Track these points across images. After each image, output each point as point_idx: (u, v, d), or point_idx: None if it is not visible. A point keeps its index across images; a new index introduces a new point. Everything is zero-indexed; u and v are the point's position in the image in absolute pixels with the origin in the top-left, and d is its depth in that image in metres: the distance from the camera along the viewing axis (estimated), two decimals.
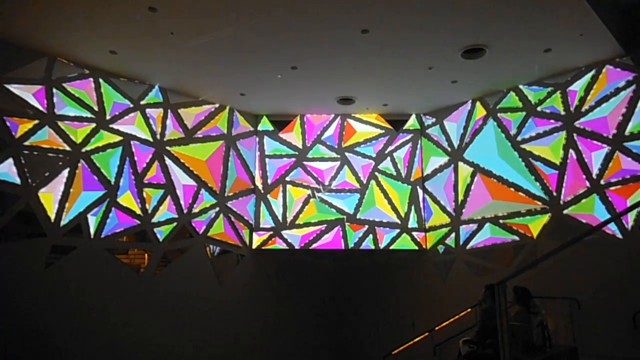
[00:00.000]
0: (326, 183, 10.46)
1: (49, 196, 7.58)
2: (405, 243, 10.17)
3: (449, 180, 10.06)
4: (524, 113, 9.01)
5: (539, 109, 8.81)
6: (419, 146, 10.69)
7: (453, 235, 9.77)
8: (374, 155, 10.60)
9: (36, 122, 7.58)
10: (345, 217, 10.28)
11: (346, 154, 10.61)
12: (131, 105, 8.81)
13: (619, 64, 7.87)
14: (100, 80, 8.46)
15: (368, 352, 10.53)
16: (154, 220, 8.78)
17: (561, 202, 8.26)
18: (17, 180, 7.26)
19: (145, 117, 8.99)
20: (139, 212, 8.60)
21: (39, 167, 7.52)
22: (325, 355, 10.91)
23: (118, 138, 8.55)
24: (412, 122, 10.76)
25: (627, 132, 7.65)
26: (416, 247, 10.19)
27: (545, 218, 8.43)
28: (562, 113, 8.47)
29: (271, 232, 10.27)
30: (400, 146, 10.65)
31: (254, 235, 10.27)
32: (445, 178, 10.13)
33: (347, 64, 8.12)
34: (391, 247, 10.12)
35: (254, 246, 10.20)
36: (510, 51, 7.75)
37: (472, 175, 9.62)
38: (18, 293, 7.07)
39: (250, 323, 9.81)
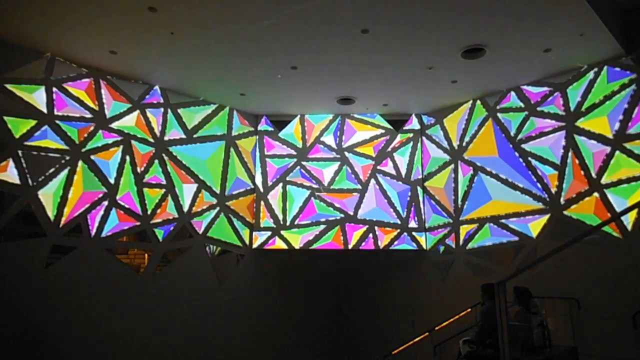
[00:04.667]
0: (326, 183, 10.46)
1: (49, 196, 7.58)
2: (405, 243, 10.18)
3: (448, 180, 10.06)
4: (524, 113, 9.01)
5: (539, 109, 8.81)
6: (419, 146, 10.69)
7: (453, 235, 9.78)
8: (374, 155, 10.60)
9: (36, 122, 7.58)
10: (345, 217, 10.29)
11: (346, 154, 10.61)
12: (131, 105, 8.82)
13: (619, 64, 7.86)
14: (100, 80, 8.46)
15: (368, 352, 10.53)
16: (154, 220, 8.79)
17: (561, 202, 8.27)
18: (17, 181, 7.26)
19: (145, 117, 8.99)
20: (139, 212, 8.61)
21: (39, 167, 7.52)
22: (325, 354, 10.91)
23: (118, 138, 8.56)
24: (412, 122, 10.76)
25: (627, 132, 7.65)
26: (416, 247, 10.19)
27: (545, 218, 8.43)
28: (562, 113, 8.48)
29: (271, 232, 10.28)
30: (400, 146, 10.66)
31: (254, 235, 10.29)
32: (445, 178, 10.13)
33: (347, 64, 8.11)
34: (391, 247, 10.12)
35: (254, 246, 10.21)
36: (510, 51, 7.74)
37: (472, 175, 9.63)
38: (18, 293, 7.07)
39: (250, 323, 9.81)
